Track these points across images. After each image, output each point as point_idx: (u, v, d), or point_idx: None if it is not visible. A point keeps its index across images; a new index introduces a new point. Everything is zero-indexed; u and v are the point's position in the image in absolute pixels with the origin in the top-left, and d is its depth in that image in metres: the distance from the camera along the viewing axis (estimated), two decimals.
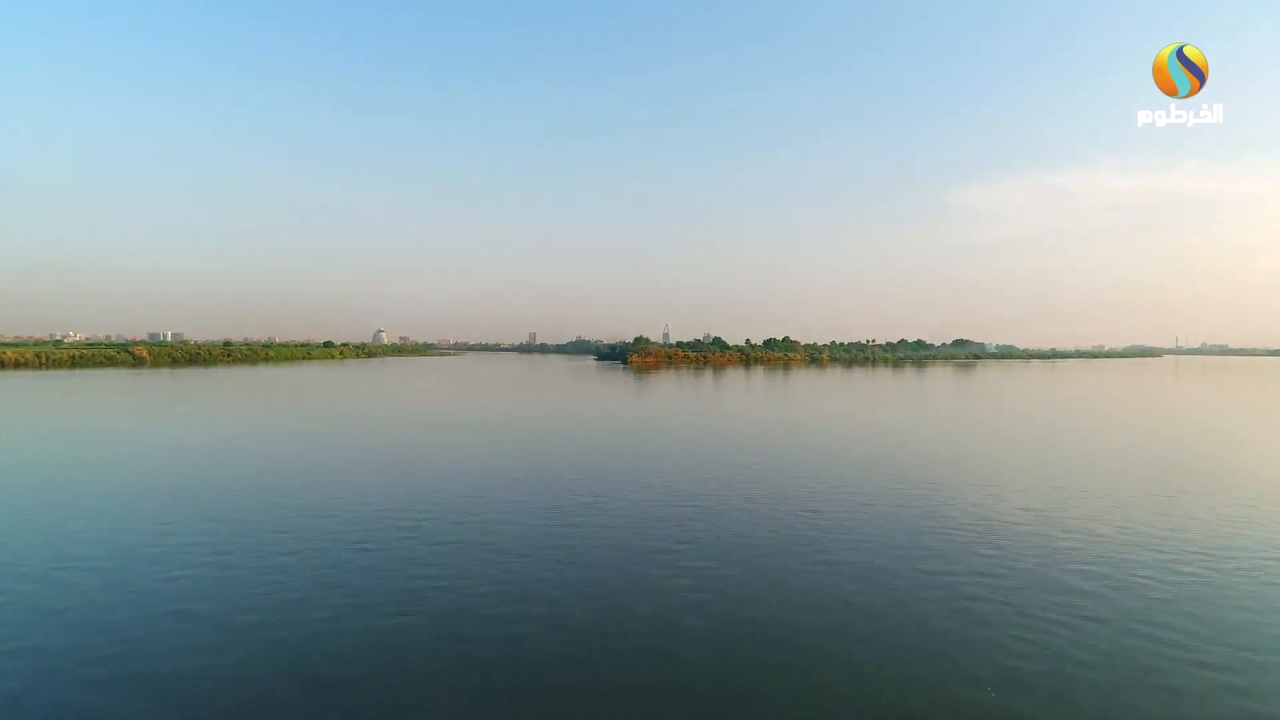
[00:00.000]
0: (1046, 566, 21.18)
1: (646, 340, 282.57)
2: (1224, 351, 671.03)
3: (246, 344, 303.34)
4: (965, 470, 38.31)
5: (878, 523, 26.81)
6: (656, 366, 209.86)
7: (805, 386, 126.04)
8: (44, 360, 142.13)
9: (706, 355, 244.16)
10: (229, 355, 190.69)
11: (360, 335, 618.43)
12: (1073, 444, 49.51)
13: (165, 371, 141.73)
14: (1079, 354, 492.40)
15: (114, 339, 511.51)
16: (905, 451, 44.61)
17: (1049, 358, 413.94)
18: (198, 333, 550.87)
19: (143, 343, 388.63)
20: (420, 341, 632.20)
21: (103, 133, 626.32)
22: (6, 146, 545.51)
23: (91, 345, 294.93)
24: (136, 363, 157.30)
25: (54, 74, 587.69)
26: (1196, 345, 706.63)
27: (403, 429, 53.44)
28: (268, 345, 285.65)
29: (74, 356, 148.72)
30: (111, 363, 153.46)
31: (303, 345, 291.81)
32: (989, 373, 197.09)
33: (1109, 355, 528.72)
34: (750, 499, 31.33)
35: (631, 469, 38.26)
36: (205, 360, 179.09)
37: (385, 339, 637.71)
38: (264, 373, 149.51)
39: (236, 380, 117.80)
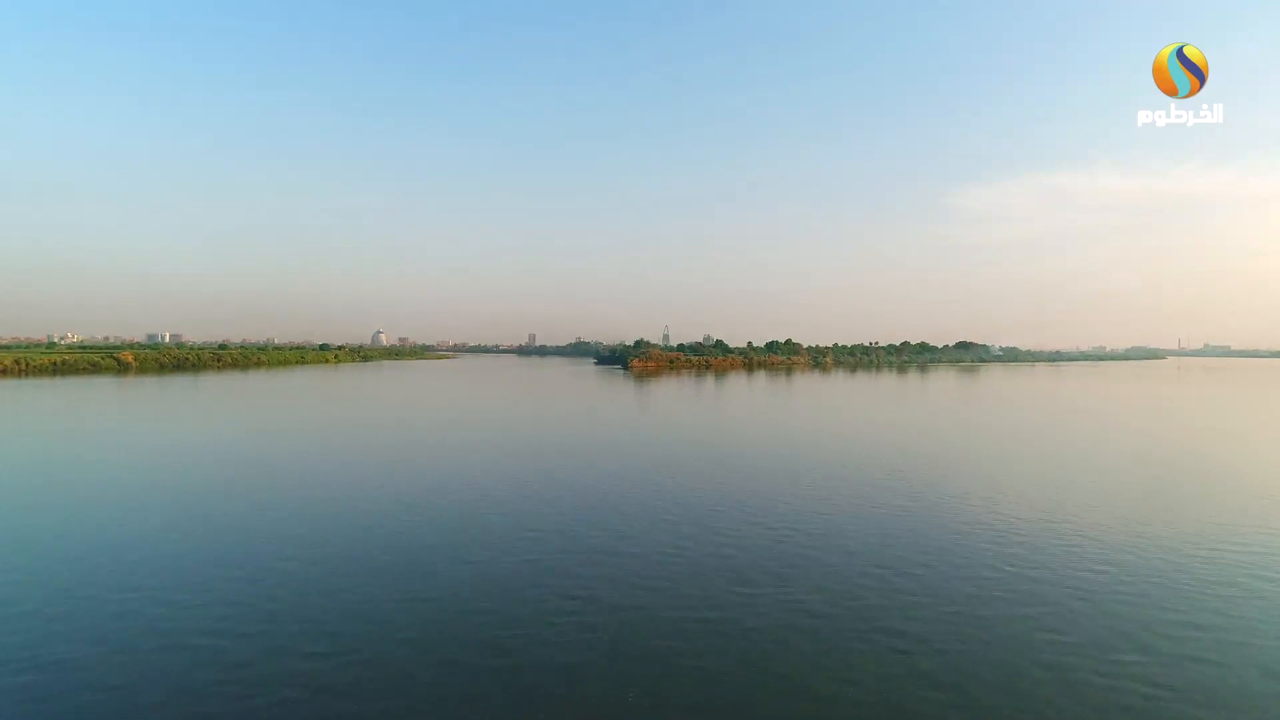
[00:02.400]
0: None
1: (647, 344, 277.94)
2: (1227, 353, 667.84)
3: (242, 347, 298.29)
4: (1008, 489, 37.22)
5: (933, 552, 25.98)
6: (658, 371, 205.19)
7: (815, 393, 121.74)
8: (24, 367, 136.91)
9: (709, 359, 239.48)
10: (219, 360, 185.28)
11: (359, 336, 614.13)
12: (1103, 455, 49.18)
13: (152, 379, 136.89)
14: (1083, 356, 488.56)
15: (111, 340, 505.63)
16: (942, 467, 41.88)
17: (1053, 361, 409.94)
18: (196, 334, 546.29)
19: (139, 345, 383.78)
20: (419, 343, 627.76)
21: (100, 132, 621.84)
22: (5, 146, 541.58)
23: (86, 348, 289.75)
24: (122, 369, 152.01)
25: (53, 74, 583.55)
26: (1199, 347, 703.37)
27: (396, 453, 48.60)
28: (262, 349, 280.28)
29: (55, 363, 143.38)
30: (96, 369, 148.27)
31: (297, 349, 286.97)
32: (997, 377, 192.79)
33: (1111, 357, 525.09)
34: (778, 520, 30.24)
35: (647, 487, 37.28)
36: (194, 366, 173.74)
37: (384, 340, 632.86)
38: (255, 380, 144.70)
39: (224, 388, 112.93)
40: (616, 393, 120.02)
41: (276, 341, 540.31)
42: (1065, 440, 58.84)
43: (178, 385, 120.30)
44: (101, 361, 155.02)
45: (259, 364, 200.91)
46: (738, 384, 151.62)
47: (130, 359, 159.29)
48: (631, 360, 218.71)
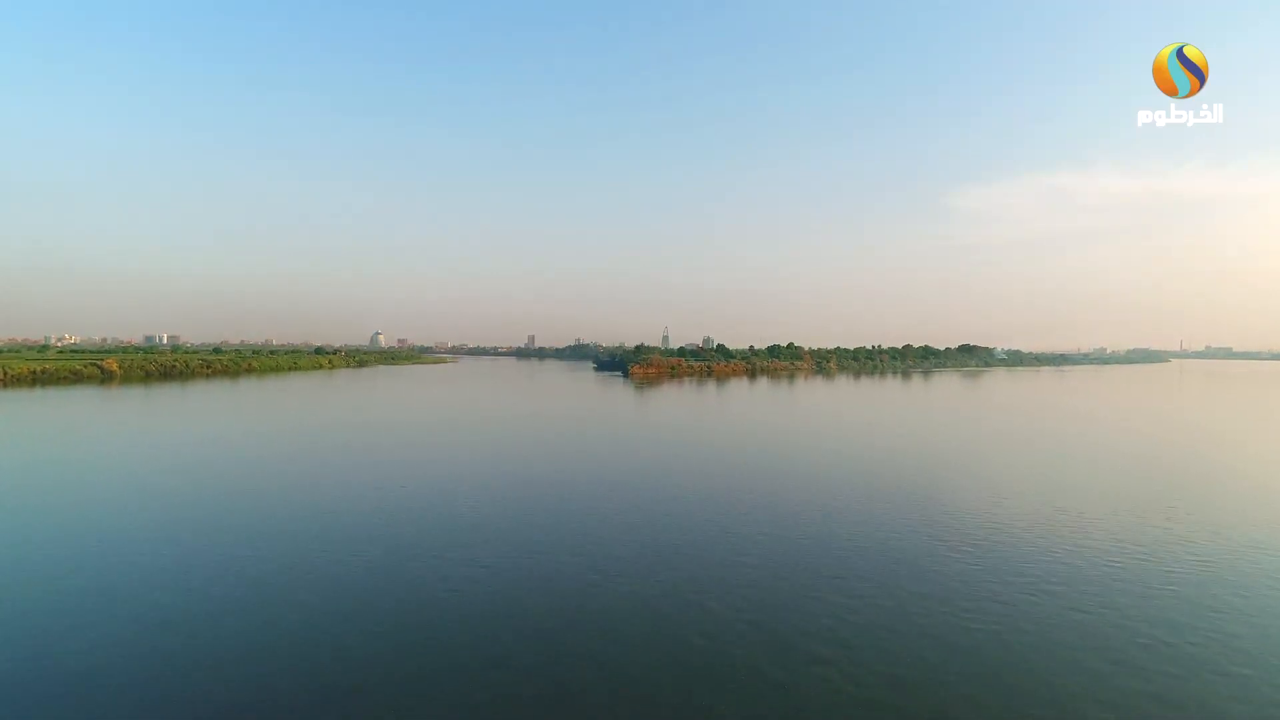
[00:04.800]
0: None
1: (647, 349, 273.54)
2: (1228, 355, 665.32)
3: (238, 350, 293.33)
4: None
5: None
6: (659, 378, 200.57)
7: (824, 402, 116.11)
8: (2, 377, 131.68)
9: (710, 365, 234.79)
10: (208, 368, 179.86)
11: (358, 338, 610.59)
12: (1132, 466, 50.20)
13: (136, 390, 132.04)
14: (1086, 359, 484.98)
15: (109, 341, 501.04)
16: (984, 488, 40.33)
17: (1057, 364, 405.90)
18: (194, 335, 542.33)
19: (135, 348, 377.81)
20: (418, 344, 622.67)
21: (100, 132, 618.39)
22: (4, 146, 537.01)
23: (78, 351, 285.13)
24: (105, 378, 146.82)
25: (53, 74, 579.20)
26: (1200, 349, 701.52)
27: (386, 471, 43.79)
28: (256, 353, 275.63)
29: (35, 372, 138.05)
30: (77, 378, 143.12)
31: (290, 354, 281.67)
32: (1008, 382, 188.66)
33: (1113, 360, 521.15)
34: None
35: (651, 505, 37.28)
36: (182, 374, 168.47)
37: (383, 341, 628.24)
38: (244, 389, 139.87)
39: (208, 402, 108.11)
40: (618, 402, 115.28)
41: (275, 343, 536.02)
42: (1100, 454, 54.49)
43: (159, 398, 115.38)
44: (84, 369, 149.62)
45: (250, 370, 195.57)
46: (742, 392, 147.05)
47: (115, 366, 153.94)
48: (632, 367, 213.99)
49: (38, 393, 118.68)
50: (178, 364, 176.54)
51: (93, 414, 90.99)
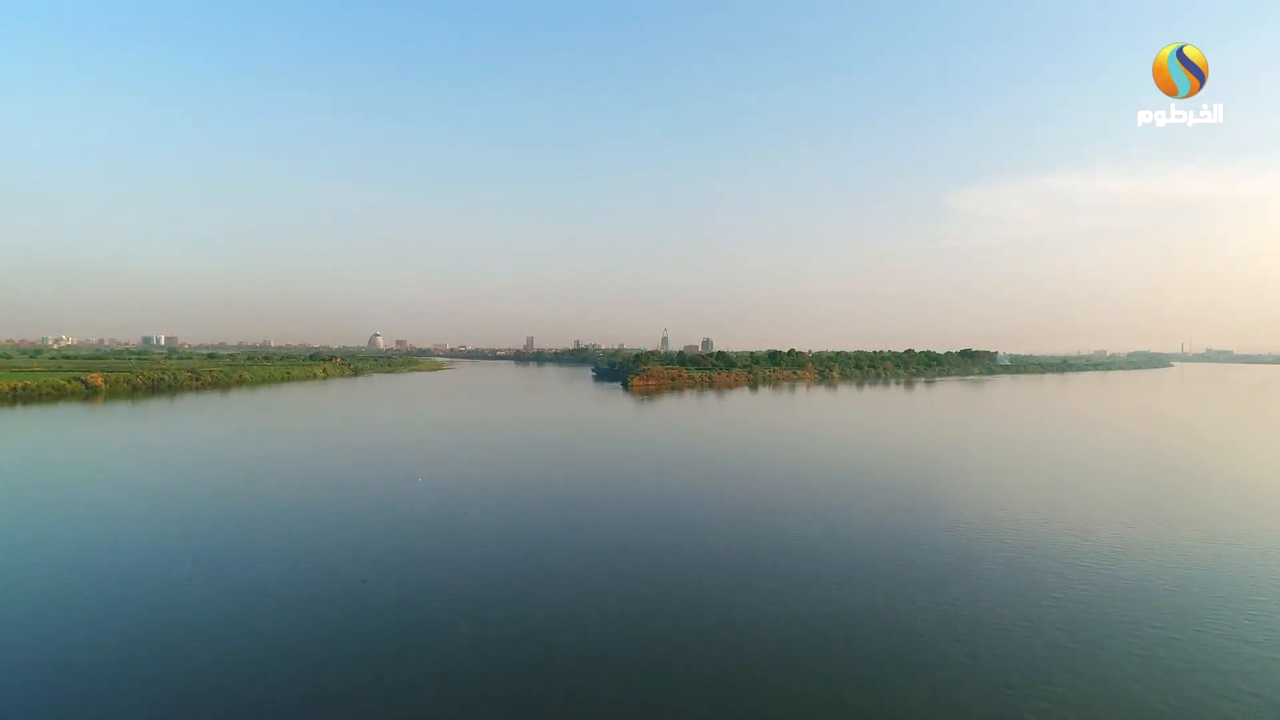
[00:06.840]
0: None
1: (647, 356, 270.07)
2: (1229, 358, 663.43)
3: (233, 356, 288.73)
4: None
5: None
6: (659, 389, 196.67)
7: (832, 412, 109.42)
8: None
9: (711, 376, 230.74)
10: (197, 380, 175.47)
11: (357, 339, 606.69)
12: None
13: (122, 407, 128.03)
14: (1089, 364, 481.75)
15: (105, 343, 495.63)
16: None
17: (1060, 369, 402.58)
18: (192, 337, 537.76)
19: (132, 351, 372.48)
20: (416, 346, 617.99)
21: (99, 133, 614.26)
22: (3, 147, 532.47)
23: (70, 356, 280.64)
24: (90, 394, 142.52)
25: (52, 74, 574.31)
26: (1201, 351, 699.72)
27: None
28: (251, 357, 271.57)
29: (15, 389, 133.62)
30: (61, 394, 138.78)
31: (284, 361, 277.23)
32: (1017, 390, 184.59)
33: (1115, 363, 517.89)
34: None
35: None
36: (170, 388, 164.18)
37: (381, 343, 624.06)
38: (235, 403, 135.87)
39: (197, 417, 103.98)
40: (620, 421, 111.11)
41: (273, 344, 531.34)
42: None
43: (153, 416, 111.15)
44: (68, 385, 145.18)
45: (240, 382, 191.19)
46: (745, 404, 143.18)
47: (100, 381, 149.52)
48: (632, 379, 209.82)
49: (18, 412, 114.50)
50: (166, 377, 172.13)
51: (63, 445, 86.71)
